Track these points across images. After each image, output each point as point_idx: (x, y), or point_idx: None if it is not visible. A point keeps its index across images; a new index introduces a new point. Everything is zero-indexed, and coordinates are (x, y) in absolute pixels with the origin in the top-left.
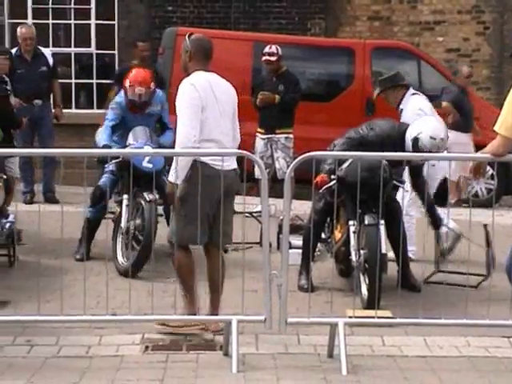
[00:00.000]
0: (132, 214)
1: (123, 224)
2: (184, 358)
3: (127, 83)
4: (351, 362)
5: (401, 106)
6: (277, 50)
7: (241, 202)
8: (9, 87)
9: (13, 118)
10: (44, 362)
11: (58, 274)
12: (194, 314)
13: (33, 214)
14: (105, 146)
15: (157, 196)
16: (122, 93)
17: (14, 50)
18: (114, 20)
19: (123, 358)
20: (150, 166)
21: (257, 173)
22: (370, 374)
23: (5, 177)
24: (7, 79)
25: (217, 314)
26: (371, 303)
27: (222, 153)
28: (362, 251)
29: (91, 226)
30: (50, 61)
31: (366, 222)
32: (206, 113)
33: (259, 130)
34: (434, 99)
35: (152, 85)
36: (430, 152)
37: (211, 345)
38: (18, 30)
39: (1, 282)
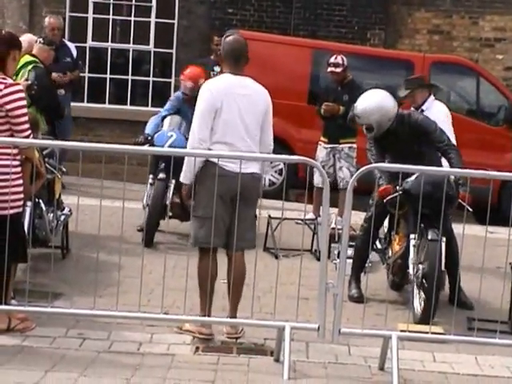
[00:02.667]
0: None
1: (144, 201)
2: (235, 361)
3: (181, 77)
4: (402, 376)
5: (424, 107)
6: (342, 60)
7: (292, 209)
8: None
9: (58, 110)
10: (97, 356)
11: (110, 270)
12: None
13: (85, 208)
14: (146, 135)
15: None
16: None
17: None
18: (174, 19)
19: (174, 357)
20: None
21: (316, 180)
22: None
23: (64, 170)
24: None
25: (234, 317)
26: (425, 318)
27: (280, 158)
28: (420, 265)
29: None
30: (74, 53)
31: (430, 237)
32: (221, 116)
33: (322, 139)
34: (491, 117)
35: (201, 81)
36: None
37: (262, 349)
38: (46, 19)
39: (54, 274)
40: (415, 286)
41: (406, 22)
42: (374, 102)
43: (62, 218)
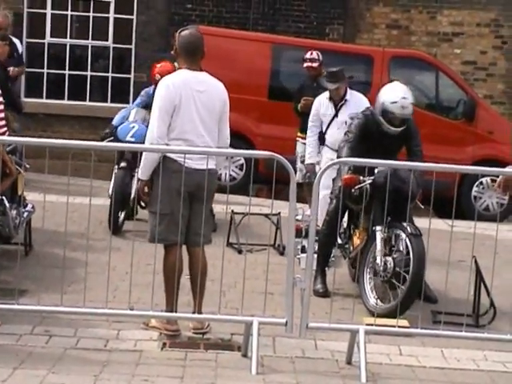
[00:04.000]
0: None
1: (110, 191)
2: (203, 356)
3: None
4: (369, 370)
5: (347, 98)
6: (318, 55)
7: (254, 204)
8: None
9: (16, 104)
10: (63, 353)
11: (74, 266)
12: (171, 312)
13: (46, 205)
14: (112, 127)
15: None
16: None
17: None
18: (133, 15)
19: (142, 354)
20: (133, 139)
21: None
22: (389, 383)
23: (27, 166)
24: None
25: (200, 313)
26: (402, 310)
27: (246, 153)
28: (388, 258)
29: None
30: (20, 49)
31: (410, 231)
32: (179, 113)
33: (300, 134)
34: (450, 111)
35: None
36: (399, 115)
37: (229, 345)
38: None
39: (18, 272)
40: (382, 280)
41: (364, 17)
42: (410, 95)
43: (25, 214)
